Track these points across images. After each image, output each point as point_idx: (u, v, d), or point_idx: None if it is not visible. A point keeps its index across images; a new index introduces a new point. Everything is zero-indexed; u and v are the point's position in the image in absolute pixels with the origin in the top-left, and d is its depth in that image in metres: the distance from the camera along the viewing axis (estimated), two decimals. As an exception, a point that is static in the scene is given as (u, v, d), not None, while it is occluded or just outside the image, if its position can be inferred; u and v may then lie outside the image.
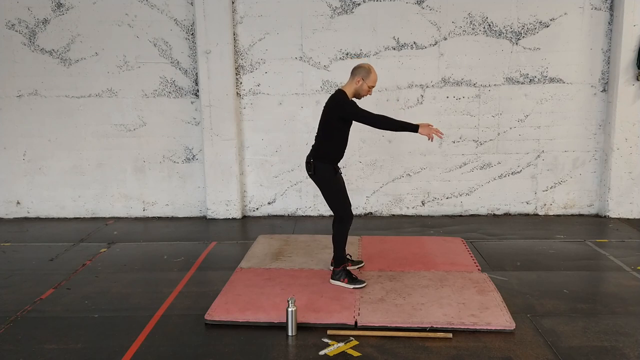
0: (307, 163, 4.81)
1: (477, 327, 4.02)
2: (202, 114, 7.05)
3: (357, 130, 7.10)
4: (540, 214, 7.31)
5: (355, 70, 4.67)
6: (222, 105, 7.01)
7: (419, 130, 4.46)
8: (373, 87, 4.69)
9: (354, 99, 4.71)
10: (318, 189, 4.96)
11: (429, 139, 4.54)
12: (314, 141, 4.88)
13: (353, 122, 4.71)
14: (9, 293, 4.87)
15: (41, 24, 7.08)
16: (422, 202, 7.33)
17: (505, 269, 5.29)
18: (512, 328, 4.02)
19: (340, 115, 4.62)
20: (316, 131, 4.87)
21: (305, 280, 4.94)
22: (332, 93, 6.93)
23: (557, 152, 7.16)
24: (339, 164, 4.91)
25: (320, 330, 4.04)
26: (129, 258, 5.79)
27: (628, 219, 7.04)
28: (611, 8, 6.82)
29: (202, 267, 5.48)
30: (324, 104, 4.78)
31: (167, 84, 7.18)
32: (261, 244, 6.01)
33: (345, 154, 4.88)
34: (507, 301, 4.46)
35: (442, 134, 4.60)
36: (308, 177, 7.11)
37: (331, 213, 7.23)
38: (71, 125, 7.28)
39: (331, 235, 4.89)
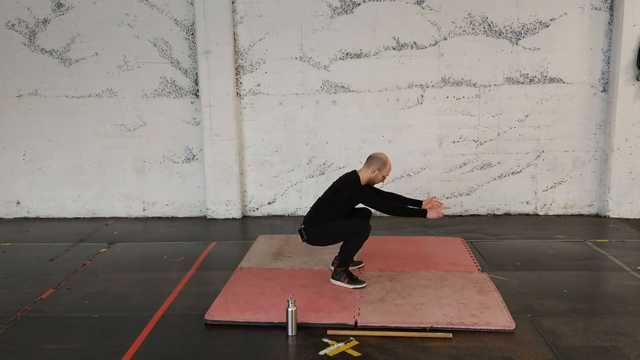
0: (299, 231, 4.90)
1: (477, 327, 4.02)
2: (202, 114, 7.05)
3: (357, 130, 7.15)
4: (540, 214, 7.31)
5: (372, 160, 4.83)
6: (222, 105, 7.01)
7: (427, 215, 4.66)
8: (386, 176, 4.87)
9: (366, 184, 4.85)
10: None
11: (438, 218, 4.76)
12: (310, 210, 4.93)
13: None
14: (9, 293, 4.87)
15: (41, 24, 7.07)
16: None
17: (505, 269, 5.29)
18: (512, 328, 4.02)
19: (350, 196, 4.74)
20: (316, 200, 4.94)
21: (305, 280, 4.94)
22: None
23: (557, 152, 7.16)
24: None
25: (320, 330, 4.04)
26: (129, 258, 5.79)
27: (628, 219, 7.04)
28: (611, 8, 6.82)
29: (202, 267, 5.48)
30: (335, 181, 4.92)
31: (167, 84, 7.18)
32: (261, 244, 6.01)
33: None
34: (507, 301, 4.46)
35: (449, 208, 4.99)
36: (308, 177, 7.23)
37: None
38: (71, 125, 7.28)
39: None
